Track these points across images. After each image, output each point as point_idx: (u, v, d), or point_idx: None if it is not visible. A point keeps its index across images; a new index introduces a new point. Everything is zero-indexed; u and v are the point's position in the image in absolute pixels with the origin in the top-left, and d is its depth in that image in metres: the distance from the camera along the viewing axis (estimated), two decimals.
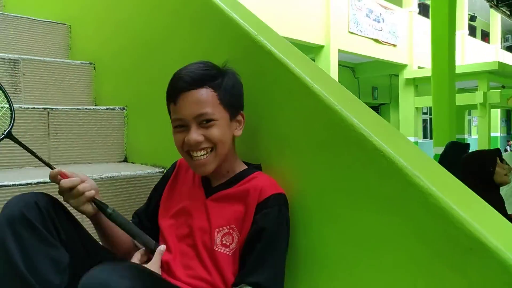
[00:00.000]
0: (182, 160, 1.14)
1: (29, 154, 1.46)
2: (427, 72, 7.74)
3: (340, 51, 8.63)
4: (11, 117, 0.87)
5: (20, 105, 1.46)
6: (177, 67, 1.00)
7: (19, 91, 1.71)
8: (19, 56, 1.72)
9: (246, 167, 1.06)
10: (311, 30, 8.11)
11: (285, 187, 1.00)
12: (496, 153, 2.20)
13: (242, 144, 1.09)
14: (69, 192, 0.86)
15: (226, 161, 1.02)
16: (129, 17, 1.69)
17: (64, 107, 1.55)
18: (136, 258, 0.95)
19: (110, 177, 1.35)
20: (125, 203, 1.39)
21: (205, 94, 0.95)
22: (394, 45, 10.07)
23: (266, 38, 1.08)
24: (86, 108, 1.60)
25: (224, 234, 0.97)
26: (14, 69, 1.70)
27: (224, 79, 0.98)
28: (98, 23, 1.93)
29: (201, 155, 0.96)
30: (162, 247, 0.99)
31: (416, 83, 10.50)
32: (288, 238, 0.98)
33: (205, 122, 0.95)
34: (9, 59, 1.69)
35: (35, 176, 1.25)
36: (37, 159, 0.93)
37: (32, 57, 1.77)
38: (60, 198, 0.93)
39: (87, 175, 1.28)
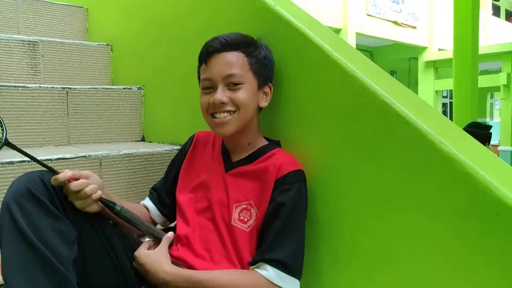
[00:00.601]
0: (200, 133, 1.13)
1: (50, 134, 1.49)
2: (448, 54, 7.51)
3: (357, 34, 8.46)
4: (2, 126, 0.85)
5: (40, 85, 1.47)
6: (195, 44, 1.00)
7: (39, 72, 1.73)
8: (38, 38, 1.74)
9: (266, 142, 1.05)
10: (328, 14, 7.97)
11: (305, 162, 0.99)
12: (487, 137, 2.18)
13: (262, 119, 1.07)
14: (76, 194, 0.85)
15: (248, 131, 1.01)
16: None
17: (83, 87, 1.56)
18: (144, 248, 0.95)
19: (128, 154, 1.36)
20: (143, 180, 1.40)
21: (236, 57, 0.96)
22: (414, 27, 9.81)
23: (284, 8, 1.05)
24: (103, 88, 1.61)
25: (242, 209, 0.97)
26: (33, 51, 1.71)
27: (257, 48, 1.00)
28: (114, 5, 1.93)
29: (223, 117, 0.96)
30: (169, 233, 0.99)
31: (436, 66, 10.24)
32: (306, 214, 0.97)
33: (232, 85, 0.95)
34: (29, 41, 1.71)
35: (54, 152, 1.27)
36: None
37: (51, 39, 1.78)
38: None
39: (105, 152, 1.31)
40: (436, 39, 10.21)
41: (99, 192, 0.89)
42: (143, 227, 0.96)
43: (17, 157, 1.15)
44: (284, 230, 0.91)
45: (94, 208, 0.89)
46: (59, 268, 0.77)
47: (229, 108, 0.95)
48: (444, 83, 10.03)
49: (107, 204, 0.91)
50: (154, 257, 0.92)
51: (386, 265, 0.86)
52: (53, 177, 0.83)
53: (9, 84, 1.41)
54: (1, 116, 0.87)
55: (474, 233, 0.71)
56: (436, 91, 10.45)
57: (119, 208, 0.92)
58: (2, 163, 1.12)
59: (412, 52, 10.56)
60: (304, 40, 0.99)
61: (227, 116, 0.96)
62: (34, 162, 0.93)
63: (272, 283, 0.87)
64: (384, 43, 9.98)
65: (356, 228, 0.92)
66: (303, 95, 1.03)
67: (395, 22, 9.27)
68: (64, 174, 0.84)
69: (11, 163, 1.13)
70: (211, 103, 0.96)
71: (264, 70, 1.00)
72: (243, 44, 0.98)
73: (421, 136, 0.77)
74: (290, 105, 1.06)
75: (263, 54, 1.01)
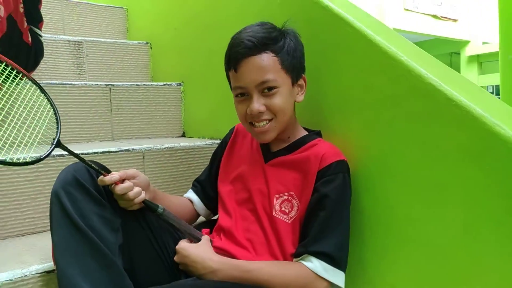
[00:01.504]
0: (240, 125, 1.13)
1: (95, 129, 1.55)
2: (493, 47, 7.17)
3: (395, 30, 8.24)
4: (57, 126, 0.88)
5: (85, 82, 1.53)
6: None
7: (84, 71, 1.80)
8: (82, 38, 1.81)
9: (306, 133, 1.03)
10: (364, 9, 7.81)
11: (347, 151, 0.97)
12: None
13: (301, 110, 1.06)
14: (120, 196, 0.86)
15: (287, 127, 0.99)
16: None
17: (125, 83, 1.60)
18: (185, 241, 0.95)
19: (170, 147, 1.38)
20: (185, 174, 1.42)
21: (267, 59, 0.91)
22: (455, 20, 9.43)
23: None
24: (144, 84, 1.65)
25: (283, 200, 0.96)
26: (78, 50, 1.78)
27: (285, 41, 0.94)
28: (152, 4, 1.98)
29: (262, 125, 0.94)
30: (207, 236, 0.98)
31: (480, 60, 9.78)
32: (350, 204, 0.94)
33: (267, 90, 0.92)
34: (74, 41, 1.78)
35: (100, 147, 1.31)
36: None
37: (94, 39, 1.85)
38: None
39: (148, 146, 1.34)
40: (480, 32, 9.76)
41: (142, 196, 0.89)
42: (184, 228, 0.96)
43: None
44: (328, 222, 0.89)
45: (137, 207, 0.91)
46: (106, 252, 0.79)
47: (267, 116, 0.93)
48: (489, 78, 9.56)
49: (149, 206, 0.91)
50: (201, 248, 0.92)
51: (435, 256, 0.82)
52: (99, 179, 0.84)
53: (57, 82, 1.47)
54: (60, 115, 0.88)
55: None
56: (481, 87, 9.99)
57: (161, 211, 0.92)
58: (54, 156, 1.17)
59: (453, 47, 10.14)
60: (344, 25, 0.97)
61: (266, 124, 0.94)
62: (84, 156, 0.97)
63: (317, 275, 0.86)
64: (424, 38, 9.64)
65: (402, 217, 0.88)
66: (344, 82, 1.00)
67: (435, 16, 8.94)
68: (111, 177, 0.85)
69: (62, 155, 1.18)
70: (249, 113, 0.93)
71: (296, 63, 0.96)
72: (270, 41, 0.91)
73: (473, 119, 0.73)
74: (331, 93, 1.04)
75: (293, 46, 0.95)
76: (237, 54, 0.92)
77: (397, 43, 0.90)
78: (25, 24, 1.37)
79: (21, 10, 1.33)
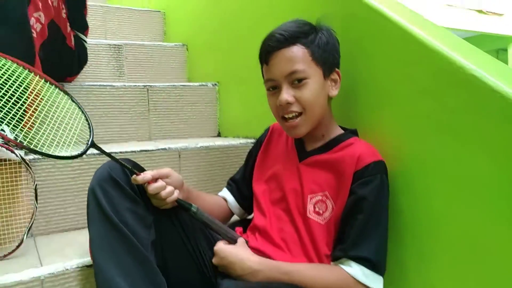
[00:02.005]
0: (276, 124, 1.12)
1: (134, 129, 1.59)
2: None
3: None
4: (90, 128, 0.91)
5: (124, 83, 1.58)
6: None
7: (123, 73, 1.86)
8: (122, 41, 1.87)
9: (342, 131, 1.00)
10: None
11: (385, 150, 0.93)
12: None
13: (337, 108, 1.03)
14: (153, 195, 0.88)
15: (321, 123, 0.97)
16: None
17: (162, 84, 1.64)
18: (223, 243, 0.95)
19: (205, 147, 1.40)
20: (220, 173, 1.43)
21: (296, 51, 0.91)
22: (501, 14, 8.97)
23: None
24: (181, 85, 1.68)
25: (317, 201, 0.94)
26: (118, 53, 1.84)
27: (317, 35, 0.94)
28: (189, 7, 2.02)
29: (292, 117, 0.93)
30: (242, 238, 0.98)
31: None
32: (388, 206, 0.91)
33: (297, 82, 0.91)
34: (114, 45, 1.84)
35: (138, 146, 1.35)
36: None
37: (133, 42, 1.91)
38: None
39: (184, 145, 1.36)
40: None
41: (174, 195, 0.90)
42: (218, 228, 0.95)
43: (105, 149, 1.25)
44: (367, 226, 0.86)
45: (169, 206, 0.92)
46: (140, 248, 0.80)
47: (295, 109, 0.92)
48: None
49: (182, 205, 0.92)
50: (239, 249, 0.92)
51: (480, 257, 0.78)
52: (132, 177, 0.86)
53: (98, 83, 1.53)
54: (90, 118, 0.93)
55: None
56: None
57: (194, 210, 0.92)
58: (94, 155, 1.21)
59: (500, 43, 9.65)
60: (380, 18, 0.94)
61: (296, 118, 0.93)
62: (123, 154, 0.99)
63: (356, 280, 0.84)
64: (468, 35, 9.24)
65: (445, 217, 0.84)
66: (380, 77, 0.97)
67: (479, 11, 8.55)
68: (143, 176, 0.86)
69: (101, 154, 1.22)
70: (278, 104, 0.93)
71: (328, 56, 0.94)
72: (300, 34, 0.92)
73: None
74: (367, 89, 1.01)
75: (325, 39, 0.94)
76: (268, 47, 0.94)
77: (436, 34, 0.86)
78: (69, 28, 1.42)
79: (64, 15, 1.38)
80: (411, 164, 0.91)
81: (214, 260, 0.93)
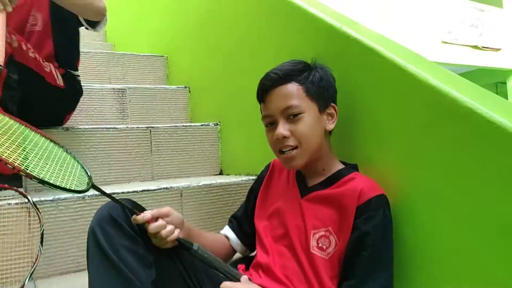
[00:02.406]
0: (276, 160, 1.13)
1: (136, 170, 1.61)
2: None
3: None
4: (86, 172, 0.93)
5: (127, 125, 1.61)
6: None
7: (126, 116, 1.90)
8: (126, 86, 1.93)
9: (343, 166, 1.01)
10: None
11: (386, 183, 0.94)
12: None
13: (336, 143, 1.05)
14: (153, 234, 0.87)
15: (320, 158, 0.99)
16: (220, 41, 1.80)
17: (164, 125, 1.67)
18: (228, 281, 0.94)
19: (207, 184, 1.40)
20: (222, 210, 1.42)
21: (291, 88, 0.95)
22: (498, 49, 9.16)
23: (351, 28, 1.05)
24: (183, 125, 1.71)
25: (321, 236, 0.93)
26: (122, 97, 1.89)
27: (311, 72, 0.98)
28: (191, 51, 2.09)
29: (288, 151, 0.95)
30: (245, 276, 0.95)
31: None
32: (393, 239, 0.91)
33: (292, 116, 0.94)
34: (118, 89, 1.90)
35: (140, 186, 1.36)
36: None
37: (137, 86, 1.96)
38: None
39: (186, 183, 1.37)
40: None
41: (175, 234, 0.89)
42: (220, 266, 0.94)
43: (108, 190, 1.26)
44: (373, 262, 0.86)
45: (170, 245, 0.91)
46: (139, 287, 0.79)
47: (291, 143, 0.94)
48: None
49: (183, 244, 0.91)
50: (246, 284, 0.89)
51: None
52: (132, 218, 0.86)
53: (102, 126, 1.56)
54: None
55: None
56: None
57: (195, 249, 0.91)
58: (95, 195, 1.22)
59: (498, 76, 9.79)
60: (374, 55, 0.97)
61: (292, 150, 0.94)
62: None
63: None
64: (465, 69, 9.40)
65: (449, 249, 0.83)
66: (377, 112, 0.99)
67: (475, 47, 8.74)
68: (143, 216, 0.86)
69: (101, 195, 1.22)
70: (275, 139, 0.95)
71: (323, 92, 0.97)
72: (295, 72, 0.96)
73: None
74: (365, 124, 1.03)
75: (319, 76, 0.97)
76: (264, 86, 0.98)
77: (428, 69, 0.89)
78: (49, 68, 1.43)
79: (32, 54, 1.35)
80: (413, 196, 0.91)
81: None
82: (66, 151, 0.97)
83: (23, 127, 0.91)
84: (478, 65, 8.88)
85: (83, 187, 0.86)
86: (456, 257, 0.82)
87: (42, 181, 0.77)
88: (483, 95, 0.84)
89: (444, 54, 8.27)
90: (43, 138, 0.94)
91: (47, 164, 0.84)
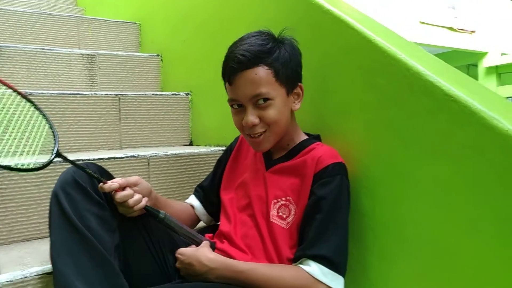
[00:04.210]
0: None
1: (104, 138, 1.57)
2: None
3: None
4: (54, 137, 0.90)
5: (95, 92, 1.56)
6: None
7: (96, 83, 1.84)
8: (95, 51, 1.86)
9: (306, 137, 1.02)
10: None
11: (349, 153, 0.96)
12: None
13: (305, 114, 1.06)
14: (120, 203, 0.87)
15: (286, 135, 0.99)
16: (193, 10, 1.75)
17: (134, 93, 1.63)
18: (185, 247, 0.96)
19: (175, 154, 1.39)
20: (190, 180, 1.42)
21: (260, 73, 0.90)
22: (472, 32, 9.30)
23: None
24: (153, 94, 1.67)
25: (281, 205, 0.95)
26: (91, 63, 1.83)
27: (280, 51, 0.92)
28: (164, 19, 2.03)
29: (257, 136, 0.94)
30: (207, 241, 0.98)
31: (499, 72, 9.58)
32: (349, 207, 0.93)
33: (262, 100, 0.91)
34: (87, 54, 1.83)
35: (107, 154, 1.33)
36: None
37: (107, 52, 1.90)
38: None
39: (153, 152, 1.35)
40: (498, 43, 9.58)
41: (142, 203, 0.89)
42: (186, 233, 0.95)
43: (73, 157, 1.23)
44: (326, 225, 0.87)
45: (137, 214, 0.91)
46: (102, 251, 0.79)
47: (260, 129, 0.93)
48: (509, 89, 9.35)
49: (151, 212, 0.91)
50: (198, 250, 0.92)
51: (440, 257, 0.80)
52: (99, 186, 0.85)
53: (68, 92, 1.51)
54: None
55: None
56: (482, 84, 9.73)
57: (162, 216, 0.91)
58: (60, 162, 1.19)
59: (471, 58, 9.96)
60: (345, 27, 0.97)
61: (260, 136, 0.94)
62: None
63: (315, 278, 0.84)
64: (441, 50, 9.51)
65: (406, 218, 0.86)
66: (345, 85, 1.00)
67: (451, 28, 8.84)
68: (110, 185, 0.85)
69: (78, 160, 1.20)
70: (244, 125, 0.93)
71: (291, 73, 0.94)
72: (263, 54, 0.90)
73: (471, 114, 0.72)
74: (333, 96, 1.04)
75: (287, 55, 0.93)
76: (231, 68, 0.91)
77: (396, 42, 0.90)
78: None
79: None
80: (374, 167, 0.93)
81: (177, 264, 0.93)
82: (35, 107, 0.93)
83: None
84: (453, 46, 9.00)
85: (45, 159, 0.84)
86: (411, 226, 0.85)
87: None
88: (446, 70, 0.85)
89: (422, 35, 8.32)
90: (7, 93, 0.90)
91: (7, 134, 0.82)
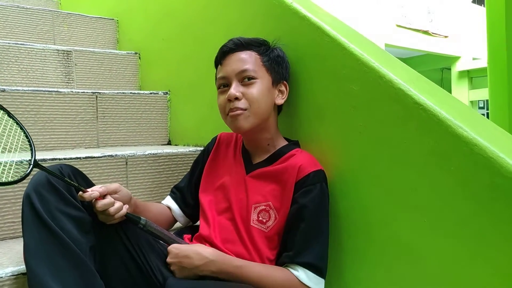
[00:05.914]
0: (222, 134, 1.15)
1: (81, 136, 1.56)
2: (483, 63, 7.28)
3: (387, 45, 8.35)
4: (31, 147, 0.89)
5: (72, 90, 1.54)
6: (218, 48, 1.03)
7: (72, 80, 1.82)
8: (71, 48, 1.83)
9: (286, 143, 1.05)
10: (356, 25, 7.91)
11: (324, 158, 0.99)
12: None
13: (282, 120, 1.09)
14: (101, 212, 0.87)
15: (266, 130, 1.02)
16: (173, 9, 1.75)
17: (111, 91, 1.62)
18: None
19: (153, 154, 1.39)
20: (168, 180, 1.42)
21: (249, 55, 1.00)
22: (446, 36, 9.58)
23: (301, 5, 1.07)
24: (131, 92, 1.66)
25: (261, 210, 0.98)
26: (67, 60, 1.80)
27: (271, 49, 1.03)
28: (143, 17, 2.01)
29: (236, 111, 0.96)
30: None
31: (471, 76, 9.92)
32: (329, 212, 0.97)
33: (247, 79, 0.97)
34: (63, 50, 1.80)
35: (83, 153, 1.32)
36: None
37: (84, 49, 1.87)
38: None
39: (131, 152, 1.35)
40: (470, 48, 9.91)
41: (123, 211, 0.89)
42: (167, 239, 0.96)
43: (49, 156, 1.22)
44: (310, 233, 0.92)
45: (117, 221, 0.91)
46: (76, 251, 0.80)
47: (241, 106, 0.96)
48: (480, 93, 9.68)
49: (131, 219, 0.91)
50: (195, 244, 0.95)
51: (407, 258, 0.84)
52: (78, 194, 0.85)
53: (44, 89, 1.48)
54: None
55: (497, 218, 0.68)
56: (472, 102, 10.10)
57: (143, 223, 0.91)
58: (45, 159, 1.18)
59: (444, 62, 10.27)
60: (320, 34, 1.00)
61: (240, 114, 0.96)
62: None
63: (301, 282, 0.90)
64: (415, 53, 9.77)
65: (377, 220, 0.90)
66: (320, 91, 1.03)
67: (426, 32, 9.08)
68: (90, 194, 0.85)
69: (44, 160, 1.19)
70: (227, 99, 0.97)
71: (278, 67, 1.02)
72: (256, 43, 1.02)
73: (438, 122, 0.76)
74: (308, 102, 1.07)
75: (276, 53, 1.03)
76: (225, 48, 1.02)
77: (370, 50, 0.93)
78: None
79: None
80: (348, 172, 0.96)
81: (168, 259, 0.93)
82: (8, 115, 0.91)
83: None
84: (428, 50, 9.25)
85: (18, 174, 0.83)
86: (383, 229, 0.89)
87: None
88: (417, 79, 0.89)
89: (397, 37, 8.52)
90: None
91: None
